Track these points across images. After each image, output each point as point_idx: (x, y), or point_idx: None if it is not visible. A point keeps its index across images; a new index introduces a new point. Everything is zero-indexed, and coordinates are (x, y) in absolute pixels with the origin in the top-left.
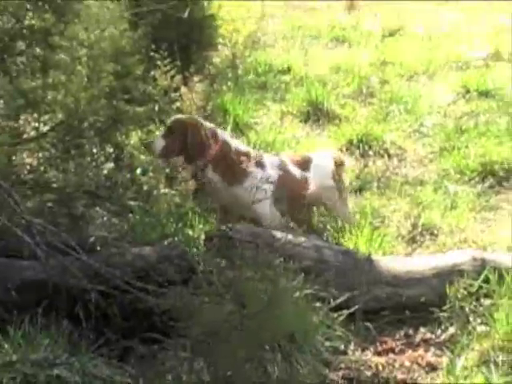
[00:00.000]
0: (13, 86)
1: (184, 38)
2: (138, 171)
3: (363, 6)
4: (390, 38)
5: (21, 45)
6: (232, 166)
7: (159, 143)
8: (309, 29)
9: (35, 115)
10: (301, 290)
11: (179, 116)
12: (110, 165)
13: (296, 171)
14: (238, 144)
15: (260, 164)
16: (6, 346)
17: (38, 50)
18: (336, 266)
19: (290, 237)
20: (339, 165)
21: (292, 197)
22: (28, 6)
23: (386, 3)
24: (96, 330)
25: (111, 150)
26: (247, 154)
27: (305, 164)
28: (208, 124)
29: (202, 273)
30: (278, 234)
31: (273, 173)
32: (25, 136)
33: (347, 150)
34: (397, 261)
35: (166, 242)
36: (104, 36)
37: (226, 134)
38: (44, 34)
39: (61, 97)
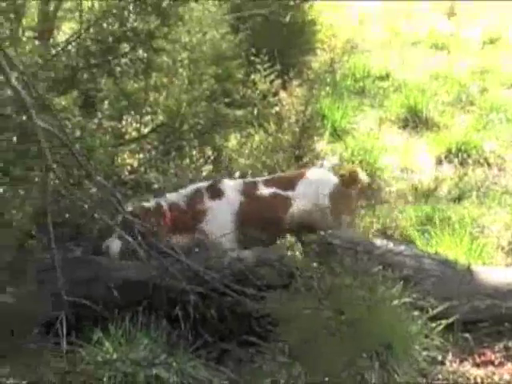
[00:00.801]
0: (117, 88)
1: (284, 42)
2: (237, 174)
3: (464, 9)
4: (490, 45)
5: (125, 47)
6: (188, 215)
7: (115, 245)
8: (407, 34)
9: (137, 117)
10: (399, 298)
11: None
12: (209, 167)
13: (267, 192)
14: (185, 191)
15: (216, 194)
16: (107, 343)
17: (141, 52)
18: (435, 276)
19: (390, 245)
20: (349, 182)
21: (264, 220)
22: (132, 9)
23: (487, 3)
24: (194, 331)
25: (210, 153)
26: (199, 193)
27: (289, 183)
28: (147, 203)
29: (301, 278)
30: (378, 242)
31: (233, 200)
32: (126, 137)
33: (446, 157)
34: (497, 272)
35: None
36: (205, 39)
37: (169, 196)
38: (148, 36)
39: (162, 99)
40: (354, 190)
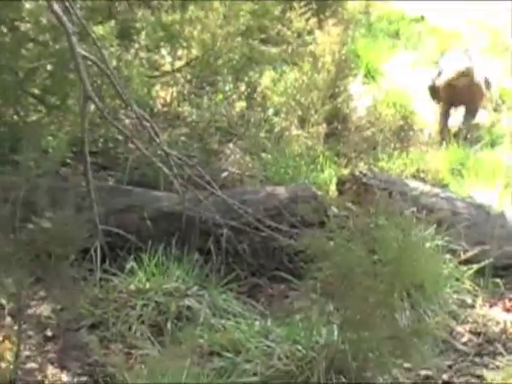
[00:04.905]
0: (154, 19)
1: None
2: (271, 111)
3: None
4: None
5: None
6: None
7: None
8: None
9: (171, 50)
10: (432, 240)
11: None
12: (243, 103)
13: None
14: None
15: None
16: (140, 274)
17: None
18: (468, 219)
19: (424, 187)
20: None
21: None
22: None
23: None
24: (226, 265)
25: (244, 89)
26: None
27: None
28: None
29: (335, 217)
30: (413, 184)
31: None
32: (161, 70)
33: None
34: None
35: (297, 184)
36: None
37: None
38: None
39: (197, 33)
40: None
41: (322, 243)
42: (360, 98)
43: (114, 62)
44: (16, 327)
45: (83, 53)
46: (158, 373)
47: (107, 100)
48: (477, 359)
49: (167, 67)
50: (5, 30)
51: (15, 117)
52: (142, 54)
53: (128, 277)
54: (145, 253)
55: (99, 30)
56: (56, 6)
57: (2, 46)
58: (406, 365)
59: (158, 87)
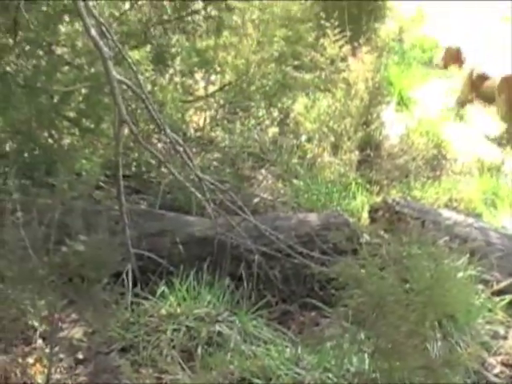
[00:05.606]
0: (188, 44)
1: (355, 7)
2: (303, 138)
3: None
4: None
5: (198, 4)
6: None
7: None
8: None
9: (205, 75)
10: (465, 270)
11: None
12: (275, 129)
13: None
14: None
15: None
16: (171, 298)
17: (213, 10)
18: (501, 250)
19: (458, 216)
20: None
21: None
22: None
23: None
24: (257, 291)
25: (277, 115)
26: None
27: None
28: None
29: (368, 244)
30: (446, 213)
31: None
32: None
33: None
34: None
35: (330, 211)
36: (277, 1)
37: None
38: None
39: (231, 58)
40: None
41: (353, 271)
42: (392, 125)
43: (149, 87)
44: (47, 350)
45: (118, 77)
46: None
47: (141, 124)
48: None
49: (201, 92)
50: (41, 54)
51: (50, 140)
52: (177, 79)
53: (159, 301)
54: (176, 277)
55: (135, 54)
56: (93, 31)
57: (37, 70)
58: None
59: (191, 112)
